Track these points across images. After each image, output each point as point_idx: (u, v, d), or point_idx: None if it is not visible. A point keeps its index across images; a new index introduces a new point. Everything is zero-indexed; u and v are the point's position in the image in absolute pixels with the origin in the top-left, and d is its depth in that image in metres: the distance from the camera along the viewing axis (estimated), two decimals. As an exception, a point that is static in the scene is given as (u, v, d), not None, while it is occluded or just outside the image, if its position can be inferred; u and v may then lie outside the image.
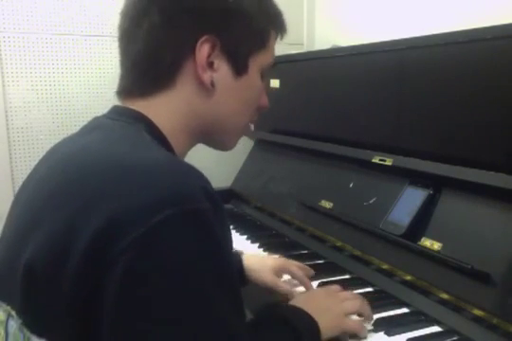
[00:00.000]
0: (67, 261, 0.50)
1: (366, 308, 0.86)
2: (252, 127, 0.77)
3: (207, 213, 0.52)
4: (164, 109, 0.66)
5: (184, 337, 0.50)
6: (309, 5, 1.93)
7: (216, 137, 0.74)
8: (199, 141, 0.73)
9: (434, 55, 1.05)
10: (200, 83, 0.65)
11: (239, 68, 0.67)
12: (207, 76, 0.64)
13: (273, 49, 0.72)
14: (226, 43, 0.64)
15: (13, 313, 0.57)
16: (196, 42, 0.63)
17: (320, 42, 1.92)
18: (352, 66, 1.31)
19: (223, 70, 0.66)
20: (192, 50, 0.63)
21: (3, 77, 1.54)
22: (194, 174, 0.56)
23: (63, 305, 0.51)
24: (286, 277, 1.02)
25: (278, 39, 0.74)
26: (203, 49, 0.63)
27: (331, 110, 1.40)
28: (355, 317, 0.85)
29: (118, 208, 0.50)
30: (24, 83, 1.57)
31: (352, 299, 0.86)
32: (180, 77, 0.65)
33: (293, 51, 1.63)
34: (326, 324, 0.78)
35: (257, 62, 0.69)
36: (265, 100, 0.76)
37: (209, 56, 0.64)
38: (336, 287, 0.92)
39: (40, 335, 0.54)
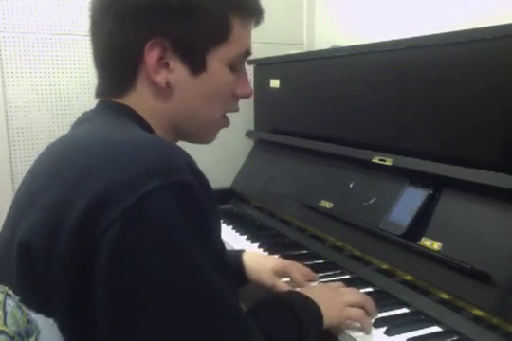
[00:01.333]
0: (59, 236, 0.52)
1: (369, 301, 0.86)
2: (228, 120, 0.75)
3: (192, 185, 0.54)
4: (136, 108, 0.67)
5: (176, 302, 0.52)
6: (309, 5, 1.93)
7: (190, 133, 0.74)
8: (179, 138, 0.74)
9: (434, 55, 1.05)
10: (156, 85, 0.65)
11: (195, 67, 0.66)
12: (160, 77, 0.64)
13: (243, 37, 0.69)
14: (176, 43, 0.64)
15: (10, 291, 0.58)
16: (144, 45, 0.63)
17: (320, 42, 1.92)
18: (352, 66, 1.31)
19: (178, 70, 0.65)
20: (143, 54, 0.63)
21: (3, 77, 1.54)
22: (179, 151, 0.57)
23: (57, 279, 0.53)
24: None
25: (254, 24, 0.70)
26: (152, 53, 0.63)
27: (331, 110, 1.40)
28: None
29: (107, 182, 0.52)
30: (24, 83, 1.57)
31: (354, 292, 0.88)
32: (139, 79, 0.66)
33: (293, 51, 1.63)
34: (328, 311, 0.79)
35: (219, 57, 0.67)
36: (243, 90, 0.73)
37: (161, 58, 0.64)
38: (338, 283, 0.93)
39: (37, 311, 0.56)
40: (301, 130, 1.52)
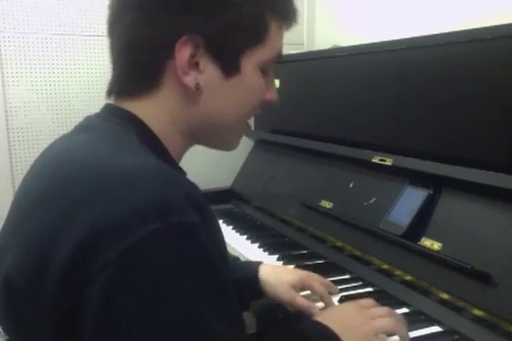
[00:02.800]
0: (46, 275, 0.48)
1: (400, 327, 0.77)
2: (251, 124, 0.69)
3: (193, 225, 0.49)
4: (152, 111, 0.62)
5: None
6: (309, 5, 1.93)
7: (213, 138, 0.69)
8: (196, 142, 0.69)
9: (434, 55, 1.05)
10: (184, 86, 0.60)
11: (228, 68, 0.61)
12: (190, 78, 0.59)
13: (277, 40, 0.65)
14: (210, 41, 0.58)
15: (0, 328, 0.56)
16: (176, 41, 0.57)
17: (320, 42, 1.92)
18: (352, 66, 1.31)
19: (210, 71, 0.60)
20: (173, 51, 0.58)
21: (3, 77, 1.54)
22: (178, 180, 0.53)
23: (44, 321, 0.49)
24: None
25: (286, 26, 0.66)
26: (183, 51, 0.58)
27: (331, 110, 1.40)
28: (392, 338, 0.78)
29: (99, 220, 0.47)
30: (24, 83, 1.57)
31: (385, 316, 0.78)
32: (164, 79, 0.60)
33: (293, 51, 1.63)
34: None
35: (253, 59, 0.62)
36: (271, 95, 0.68)
37: (192, 56, 0.58)
38: (368, 302, 0.82)
39: None
40: (301, 130, 1.52)
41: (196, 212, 0.50)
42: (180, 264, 0.48)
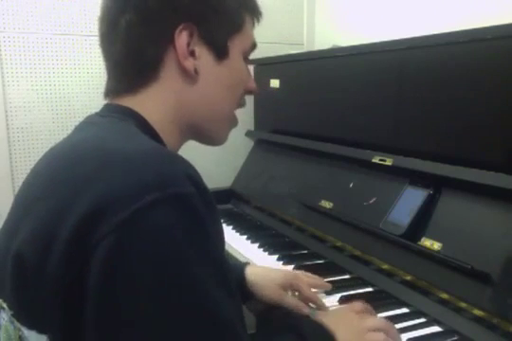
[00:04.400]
0: (52, 248, 0.50)
1: (392, 327, 0.79)
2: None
3: (190, 197, 0.51)
4: (152, 102, 0.66)
5: (172, 320, 0.48)
6: (309, 5, 1.93)
7: (206, 129, 0.72)
8: (190, 136, 0.73)
9: (434, 55, 1.05)
10: (183, 72, 0.66)
11: (220, 53, 0.68)
12: (189, 63, 0.65)
13: (251, 32, 0.73)
14: (203, 29, 0.65)
15: (5, 305, 0.57)
16: (174, 32, 0.63)
17: (320, 42, 1.92)
18: (352, 66, 1.31)
19: (204, 57, 0.66)
20: (172, 41, 0.64)
21: (3, 77, 1.54)
22: (179, 161, 0.55)
23: (48, 294, 0.51)
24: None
25: (256, 23, 0.74)
26: (182, 38, 0.64)
27: (331, 110, 1.40)
28: None
29: (101, 194, 0.50)
30: (24, 83, 1.57)
31: (376, 317, 0.82)
32: (163, 69, 0.65)
33: (293, 51, 1.63)
34: (346, 336, 0.73)
35: (236, 46, 0.69)
36: (251, 84, 0.75)
37: (188, 44, 0.64)
38: (360, 306, 0.83)
39: (30, 327, 0.54)
40: (301, 130, 1.52)
41: (195, 189, 0.52)
42: (178, 234, 0.49)
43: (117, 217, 0.48)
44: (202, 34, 0.65)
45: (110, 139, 0.59)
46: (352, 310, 0.82)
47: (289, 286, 0.93)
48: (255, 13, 0.73)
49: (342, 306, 0.90)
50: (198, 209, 0.51)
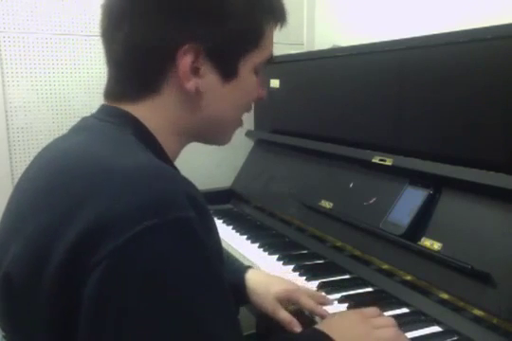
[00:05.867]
0: (44, 273, 0.49)
1: (402, 338, 0.77)
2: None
3: (190, 221, 0.49)
4: (151, 113, 0.63)
5: None
6: (309, 5, 1.93)
7: (210, 136, 0.71)
8: (192, 140, 0.71)
9: (434, 55, 1.05)
10: (186, 91, 0.62)
11: (227, 73, 0.63)
12: (191, 84, 0.61)
13: (270, 43, 0.68)
14: (211, 49, 0.60)
15: None
16: (178, 50, 0.59)
17: (320, 42, 1.92)
18: (352, 66, 1.31)
19: (209, 76, 0.62)
20: (175, 57, 0.60)
21: (3, 77, 1.54)
22: (177, 179, 0.53)
23: (40, 317, 0.49)
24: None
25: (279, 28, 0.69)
26: (185, 58, 0.59)
27: (331, 110, 1.40)
28: None
29: (97, 217, 0.48)
30: (24, 83, 1.57)
31: (388, 327, 0.76)
32: (165, 82, 0.62)
33: (293, 51, 1.63)
34: (349, 334, 0.72)
35: (249, 63, 0.65)
36: (262, 92, 0.71)
37: (193, 62, 0.60)
38: (372, 310, 0.81)
39: None
40: (301, 130, 1.52)
41: (195, 210, 0.50)
42: (175, 260, 0.48)
43: (112, 243, 0.46)
44: (210, 54, 0.61)
45: (106, 152, 0.56)
46: (363, 316, 0.78)
47: (288, 300, 0.91)
48: (279, 19, 0.67)
49: (353, 311, 0.85)
50: (198, 234, 0.50)
